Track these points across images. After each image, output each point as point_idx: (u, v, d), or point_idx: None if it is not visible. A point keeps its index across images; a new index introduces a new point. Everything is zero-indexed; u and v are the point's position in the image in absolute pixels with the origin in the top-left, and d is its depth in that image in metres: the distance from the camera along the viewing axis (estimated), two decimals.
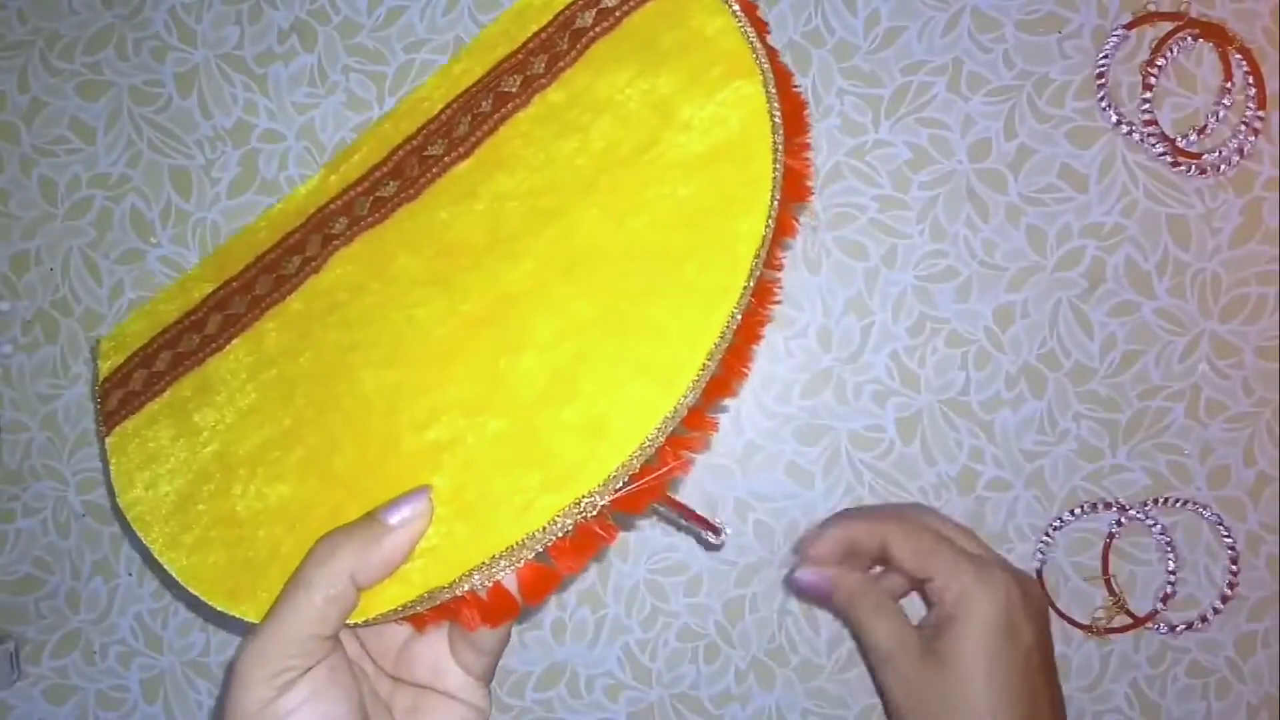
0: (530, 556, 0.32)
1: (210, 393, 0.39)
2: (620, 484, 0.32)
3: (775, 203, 0.34)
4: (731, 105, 0.35)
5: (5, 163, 0.58)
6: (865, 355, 0.56)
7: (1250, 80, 0.55)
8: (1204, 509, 0.55)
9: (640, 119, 0.36)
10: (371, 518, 0.32)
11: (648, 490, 0.32)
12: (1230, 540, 0.55)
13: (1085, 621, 0.56)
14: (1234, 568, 0.55)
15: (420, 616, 0.34)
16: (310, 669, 0.31)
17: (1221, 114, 0.55)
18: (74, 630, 0.58)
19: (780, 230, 0.34)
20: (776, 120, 0.35)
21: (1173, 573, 0.55)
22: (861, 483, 0.56)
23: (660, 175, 0.35)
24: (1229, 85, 0.55)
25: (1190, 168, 0.55)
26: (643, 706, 0.57)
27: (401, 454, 0.34)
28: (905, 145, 0.56)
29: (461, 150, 0.39)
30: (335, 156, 0.43)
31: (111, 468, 0.39)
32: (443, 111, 0.41)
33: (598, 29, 0.38)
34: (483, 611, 0.33)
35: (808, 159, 0.36)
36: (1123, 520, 0.55)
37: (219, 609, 0.35)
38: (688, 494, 0.56)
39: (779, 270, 0.36)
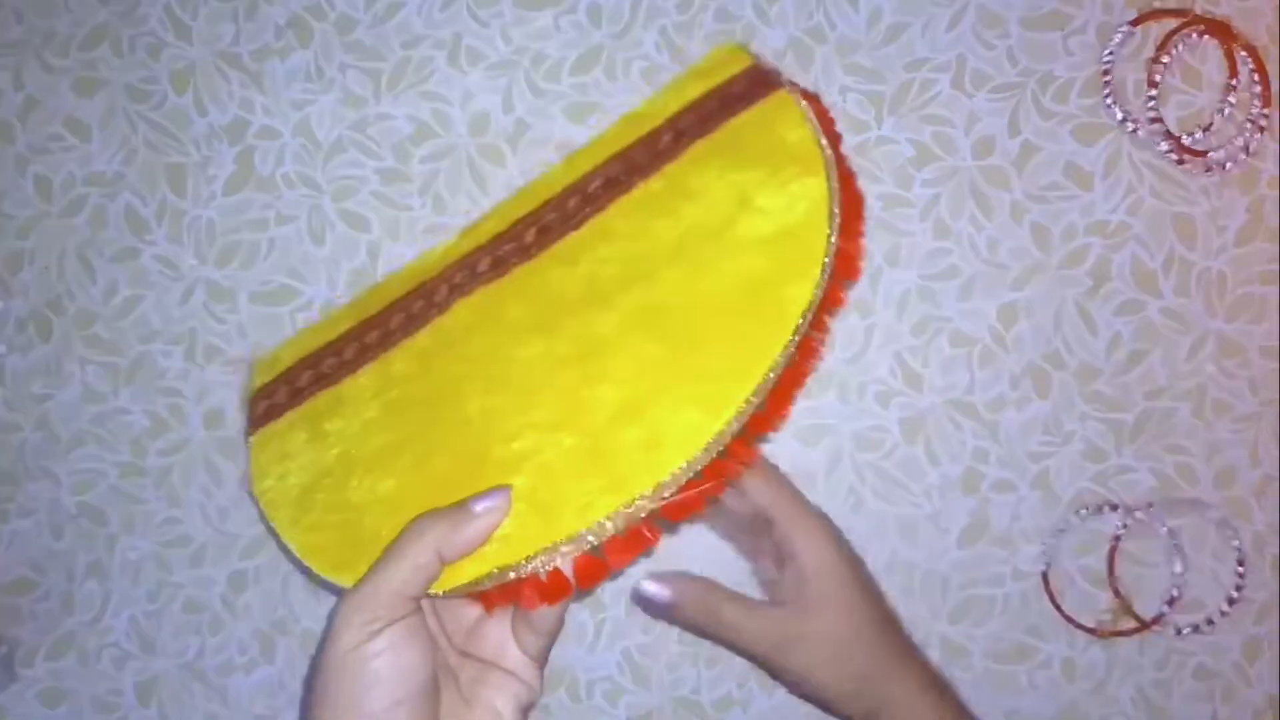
0: (586, 548, 0.38)
1: (341, 406, 0.47)
2: (668, 493, 0.38)
3: (825, 276, 0.40)
4: (799, 196, 0.42)
5: (0, 161, 0.58)
6: (868, 355, 0.56)
7: (1255, 77, 0.55)
8: (1210, 510, 0.55)
9: (723, 205, 0.44)
10: (462, 505, 0.38)
11: (689, 502, 0.39)
12: (1236, 542, 0.55)
13: (1091, 624, 0.55)
14: (1240, 570, 0.55)
15: (489, 596, 0.40)
16: (394, 622, 0.37)
17: (1227, 111, 0.55)
18: (68, 633, 0.58)
19: (828, 300, 0.41)
20: (835, 210, 0.41)
21: (1178, 575, 0.55)
22: (864, 484, 0.56)
23: (733, 250, 0.42)
24: (1234, 82, 0.55)
25: (1195, 165, 0.54)
26: (643, 711, 0.57)
27: (490, 461, 0.41)
28: (908, 142, 0.55)
29: (573, 223, 0.46)
30: (469, 224, 0.50)
31: (251, 462, 0.47)
32: (561, 193, 0.48)
33: (699, 132, 0.46)
34: (542, 592, 0.38)
35: (861, 243, 0.43)
36: (1128, 522, 0.55)
37: (326, 577, 0.41)
38: None
39: (825, 333, 0.42)
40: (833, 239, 0.41)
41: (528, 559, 0.38)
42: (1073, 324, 0.55)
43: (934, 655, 0.56)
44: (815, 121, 0.44)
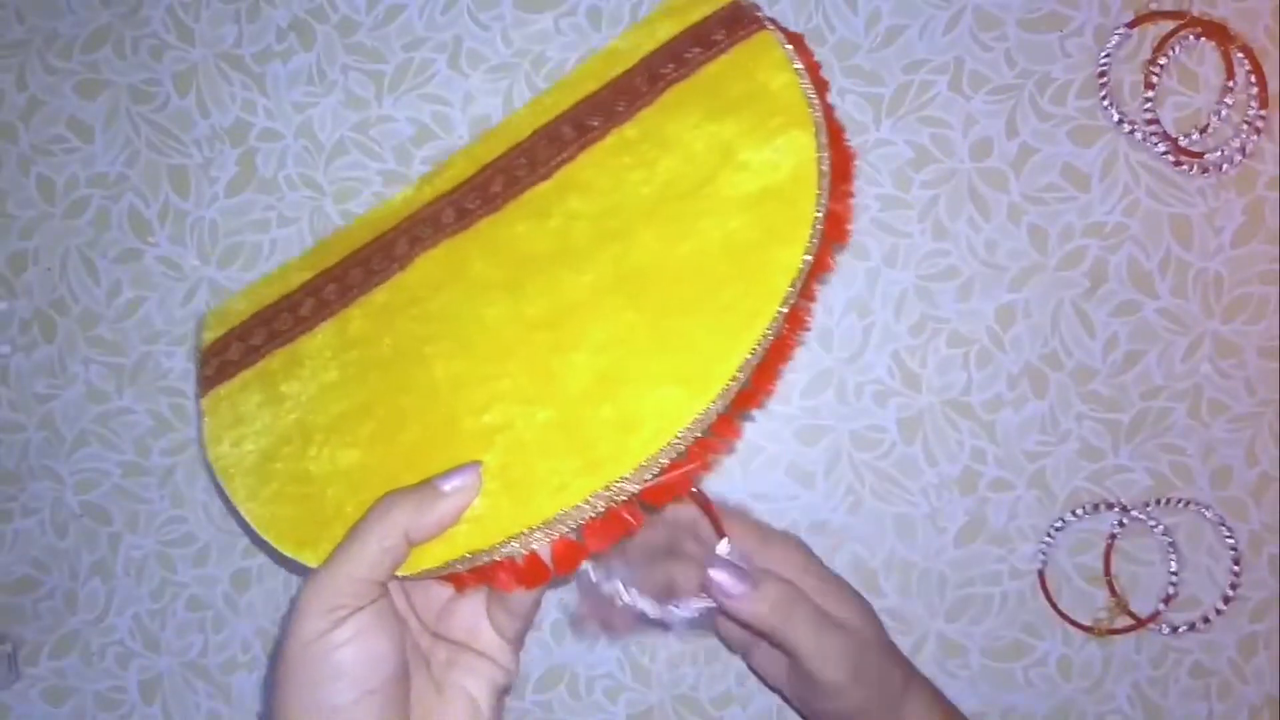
0: (564, 531, 0.36)
1: (297, 366, 0.44)
2: (649, 475, 0.36)
3: (814, 240, 0.38)
4: (785, 151, 0.39)
5: (3, 162, 0.58)
6: (866, 355, 0.56)
7: (1252, 79, 0.55)
8: (1206, 509, 0.55)
9: (703, 157, 0.41)
10: (429, 484, 0.36)
11: (672, 484, 0.36)
12: (1232, 541, 0.55)
13: (1087, 622, 0.55)
14: (1236, 568, 0.55)
15: (460, 577, 0.37)
16: (360, 609, 0.34)
17: (1224, 113, 0.55)
18: (72, 631, 0.58)
19: (817, 266, 0.38)
20: (824, 169, 0.38)
21: (1174, 574, 0.55)
22: (862, 483, 0.56)
23: (714, 208, 0.39)
24: (1231, 84, 0.55)
25: (1192, 167, 0.54)
26: (643, 708, 0.57)
27: (459, 433, 0.39)
28: (907, 144, 0.55)
29: (542, 172, 0.43)
30: (430, 170, 0.47)
31: (204, 425, 0.44)
32: (529, 137, 0.45)
33: (675, 75, 0.43)
34: (518, 576, 0.36)
35: (850, 205, 0.40)
36: (1125, 521, 0.55)
37: (287, 554, 0.39)
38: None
39: (813, 301, 0.39)
40: (822, 199, 0.38)
41: (501, 543, 0.36)
42: (1070, 325, 0.55)
43: (931, 653, 0.56)
44: (800, 66, 0.41)
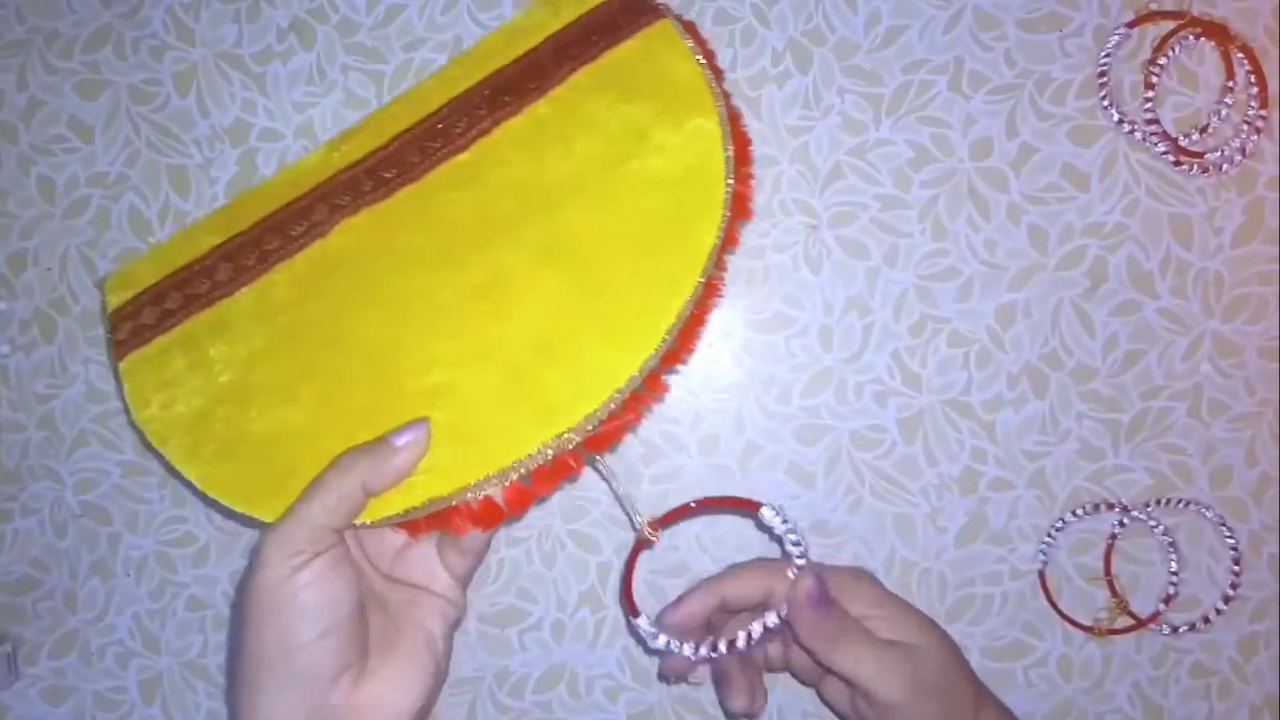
0: (515, 478, 0.41)
1: (223, 330, 0.46)
2: (591, 426, 0.41)
3: (725, 219, 0.43)
4: (695, 137, 0.44)
5: (3, 161, 0.58)
6: (866, 355, 0.56)
7: (1252, 79, 0.55)
8: (1206, 509, 0.55)
9: (619, 138, 0.45)
10: (383, 440, 0.39)
11: (612, 432, 0.42)
12: (1233, 541, 0.55)
13: (1087, 622, 0.55)
14: (1236, 568, 0.55)
15: (416, 524, 0.41)
16: (319, 554, 0.37)
17: (1224, 113, 0.55)
18: (71, 631, 0.58)
19: (727, 240, 0.44)
20: (729, 154, 0.44)
21: (1175, 574, 0.55)
22: (862, 483, 0.56)
23: (635, 187, 0.44)
24: (1231, 84, 0.55)
25: (1192, 167, 0.54)
26: (643, 708, 0.57)
27: (405, 394, 0.42)
28: (906, 144, 0.55)
29: (459, 144, 0.46)
30: (337, 136, 0.49)
31: (125, 388, 0.46)
32: (442, 109, 0.48)
33: (583, 57, 0.47)
34: (473, 519, 0.41)
35: (751, 185, 0.46)
36: (1125, 521, 0.55)
37: (239, 510, 0.42)
38: (688, 495, 0.56)
39: (724, 271, 0.45)
40: (729, 181, 0.43)
41: (459, 490, 0.40)
42: (1070, 324, 0.55)
43: None
44: (700, 55, 0.46)
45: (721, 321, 0.56)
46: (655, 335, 0.41)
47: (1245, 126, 0.55)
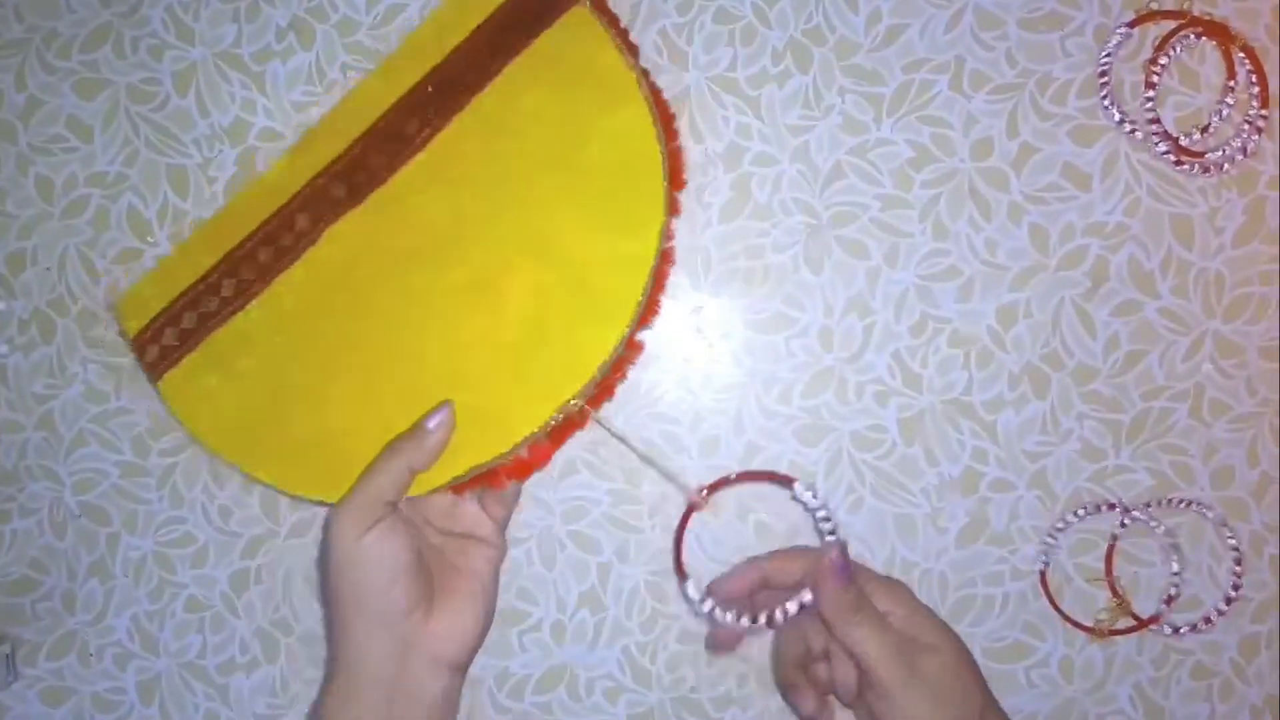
0: (537, 439, 0.49)
1: (245, 343, 0.51)
2: (589, 391, 0.49)
3: (667, 193, 0.50)
4: (628, 122, 0.50)
5: (2, 161, 0.58)
6: (867, 355, 0.56)
7: (1253, 78, 0.55)
8: (1208, 510, 0.55)
9: (562, 129, 0.51)
10: (417, 425, 0.48)
11: (607, 389, 0.51)
12: (1234, 541, 0.55)
13: (1089, 623, 0.55)
14: (1238, 569, 0.55)
15: (460, 485, 0.49)
16: (379, 521, 0.46)
17: (1225, 112, 0.55)
18: (70, 632, 0.58)
19: (671, 211, 0.51)
20: (659, 132, 0.50)
21: (1176, 574, 0.55)
22: (863, 483, 0.56)
23: (584, 175, 0.50)
24: (1232, 84, 0.55)
25: (1193, 166, 0.54)
26: (643, 709, 0.57)
27: (425, 384, 0.50)
28: (907, 144, 0.55)
29: (416, 144, 0.51)
30: (298, 141, 0.54)
31: (173, 409, 0.52)
32: (391, 110, 0.52)
33: (513, 47, 0.51)
34: (508, 474, 0.50)
35: (681, 157, 0.53)
36: (1126, 521, 0.55)
37: (310, 499, 0.51)
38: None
39: (672, 239, 0.53)
40: (665, 164, 0.50)
41: (495, 457, 0.48)
42: (1071, 324, 0.55)
43: None
44: (616, 36, 0.51)
45: (722, 322, 0.56)
46: (629, 308, 0.49)
47: (1246, 126, 0.55)
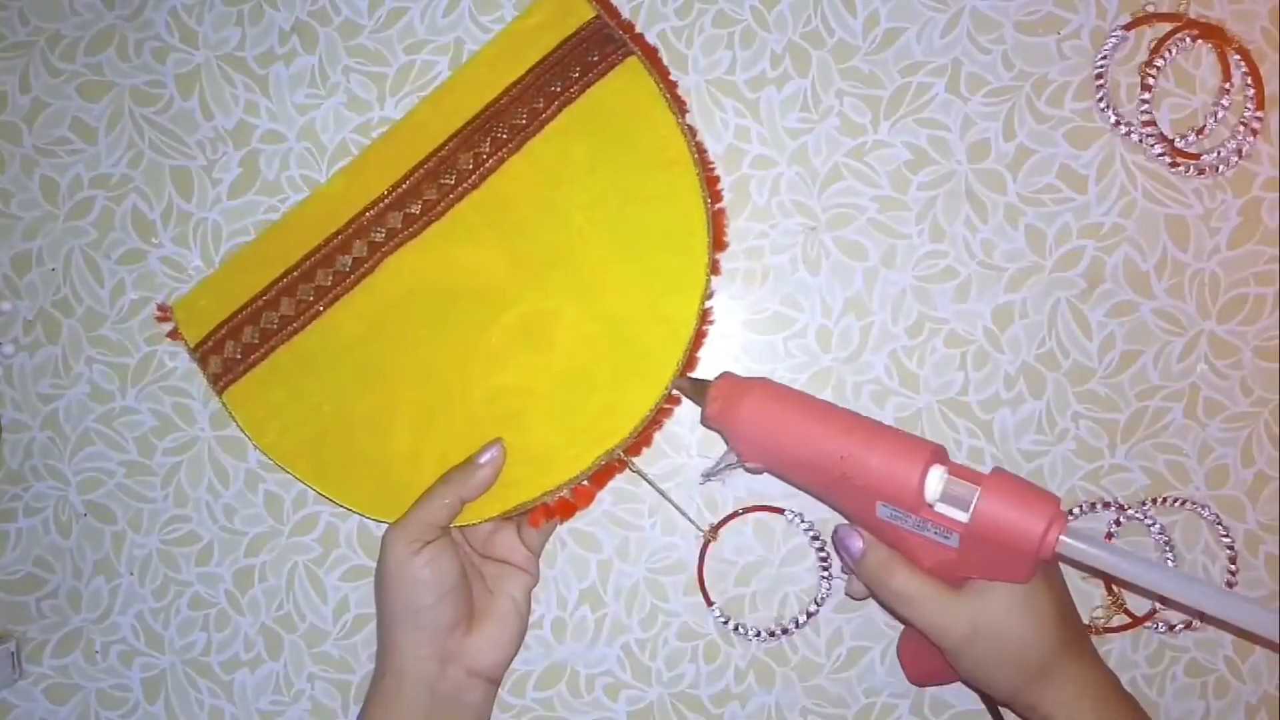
0: (579, 481, 0.53)
1: (309, 363, 0.54)
2: (631, 439, 0.52)
3: (711, 255, 0.53)
4: (676, 183, 0.53)
5: (7, 163, 0.58)
6: (864, 355, 0.56)
7: (1249, 81, 0.55)
8: (1203, 508, 0.55)
9: (611, 185, 0.53)
10: (470, 460, 0.52)
11: (643, 441, 0.54)
12: (1229, 539, 0.55)
13: (1084, 621, 0.56)
14: (1233, 567, 0.55)
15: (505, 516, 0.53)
16: (430, 543, 0.50)
17: (1220, 115, 0.55)
18: (75, 629, 0.59)
19: (712, 271, 0.53)
20: (705, 195, 0.53)
21: None
22: None
23: (635, 232, 0.53)
24: (1227, 86, 0.55)
25: (1189, 168, 0.55)
26: (642, 705, 0.57)
27: (479, 420, 0.53)
28: (904, 146, 0.56)
29: (471, 182, 0.54)
30: (351, 164, 0.55)
31: (239, 419, 0.55)
32: (446, 143, 0.54)
33: (564, 95, 0.53)
34: (548, 514, 0.53)
35: (723, 219, 0.55)
36: (1122, 519, 0.55)
37: (367, 516, 0.55)
38: (688, 493, 0.56)
39: (712, 295, 0.54)
40: (708, 217, 0.53)
41: (540, 496, 0.52)
42: (1066, 325, 0.56)
43: None
44: (666, 93, 0.53)
45: (721, 322, 0.56)
46: (670, 367, 0.52)
47: (1241, 128, 0.55)
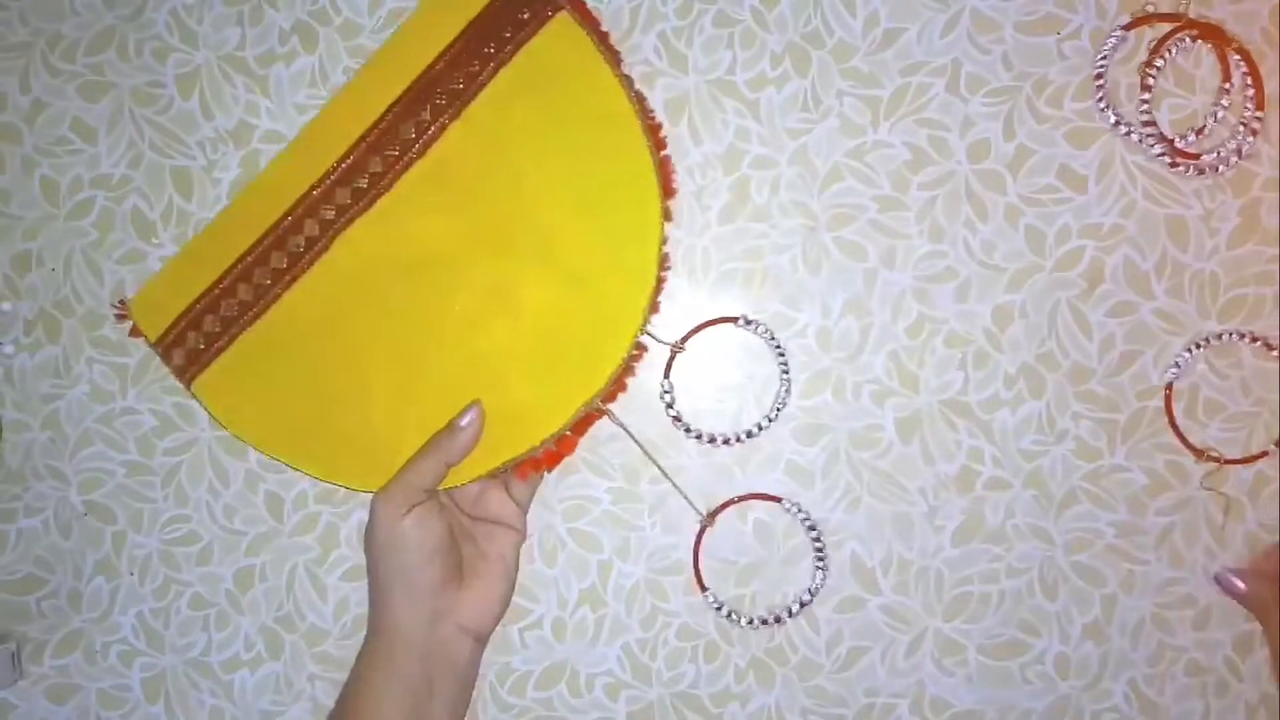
0: (560, 435, 0.53)
1: (275, 346, 0.54)
2: (605, 390, 0.53)
3: (664, 205, 0.53)
4: (620, 137, 0.53)
5: (7, 163, 0.58)
6: (864, 355, 0.56)
7: (1248, 81, 0.55)
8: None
9: (558, 142, 0.53)
10: (451, 423, 0.53)
11: (619, 387, 0.54)
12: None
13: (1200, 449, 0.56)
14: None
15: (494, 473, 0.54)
16: (416, 505, 0.51)
17: (1220, 115, 0.55)
18: (76, 630, 0.59)
19: (665, 218, 0.53)
20: (651, 145, 0.53)
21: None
22: (861, 483, 0.56)
23: (586, 188, 0.53)
24: (1227, 86, 0.55)
25: (1189, 168, 0.55)
26: (642, 705, 0.57)
27: (458, 385, 0.53)
28: (904, 146, 0.56)
29: (416, 151, 0.53)
30: (293, 143, 0.55)
31: (210, 409, 0.55)
32: (386, 114, 0.54)
33: (499, 55, 0.53)
34: (536, 466, 0.54)
35: (669, 165, 0.55)
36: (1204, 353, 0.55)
37: (356, 489, 0.54)
38: (688, 493, 0.56)
39: (666, 242, 0.54)
40: (655, 165, 0.53)
41: (526, 451, 0.53)
42: (1066, 325, 0.56)
43: (928, 651, 0.56)
44: (603, 48, 0.53)
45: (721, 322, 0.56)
46: (637, 316, 0.53)
47: (1241, 128, 0.55)
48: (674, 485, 0.56)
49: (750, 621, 0.56)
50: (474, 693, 0.54)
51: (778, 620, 0.56)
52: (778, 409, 0.56)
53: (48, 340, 0.58)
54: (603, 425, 0.56)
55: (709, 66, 0.56)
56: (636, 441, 0.55)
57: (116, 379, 0.58)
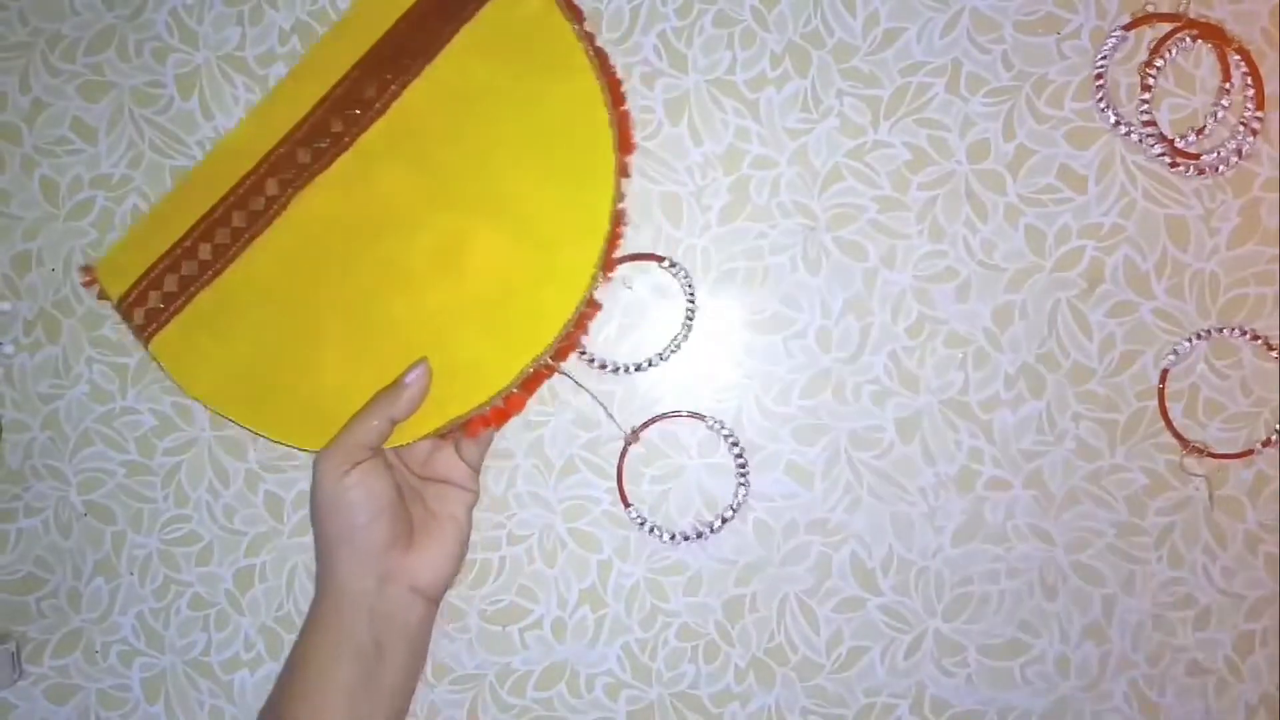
0: (510, 390, 0.53)
1: (230, 306, 0.54)
2: (555, 346, 0.53)
3: (617, 157, 0.53)
4: (576, 88, 0.53)
5: (7, 163, 0.58)
6: (864, 355, 0.56)
7: (1249, 81, 0.55)
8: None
9: (514, 96, 0.53)
10: (397, 381, 0.52)
11: (571, 344, 0.55)
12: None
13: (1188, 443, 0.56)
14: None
15: (442, 433, 0.53)
16: (359, 464, 0.50)
17: (1220, 115, 0.55)
18: (75, 630, 0.59)
19: (621, 173, 0.53)
20: (607, 98, 0.53)
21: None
22: (861, 483, 0.56)
23: (542, 143, 0.53)
24: (1227, 86, 0.55)
25: (1189, 168, 0.55)
26: (642, 705, 0.57)
27: (409, 343, 0.53)
28: (904, 146, 0.56)
29: (376, 110, 0.54)
30: (258, 107, 0.56)
31: (167, 368, 0.54)
32: (348, 76, 0.54)
33: (460, 16, 0.53)
34: (485, 422, 0.54)
35: (629, 121, 0.55)
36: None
37: (304, 450, 0.54)
38: (688, 492, 0.56)
39: (623, 201, 0.54)
40: (615, 131, 0.53)
41: (475, 408, 0.53)
42: (1066, 325, 0.56)
43: (928, 651, 0.56)
44: (563, 4, 0.53)
45: (721, 322, 0.56)
46: (587, 271, 0.52)
47: (1241, 128, 0.55)
48: (597, 401, 0.56)
49: (673, 536, 0.56)
50: (426, 659, 0.54)
51: (699, 535, 0.56)
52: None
53: (47, 340, 0.58)
54: (604, 427, 0.56)
55: (709, 66, 0.56)
56: (582, 386, 0.56)
57: (116, 379, 0.58)
